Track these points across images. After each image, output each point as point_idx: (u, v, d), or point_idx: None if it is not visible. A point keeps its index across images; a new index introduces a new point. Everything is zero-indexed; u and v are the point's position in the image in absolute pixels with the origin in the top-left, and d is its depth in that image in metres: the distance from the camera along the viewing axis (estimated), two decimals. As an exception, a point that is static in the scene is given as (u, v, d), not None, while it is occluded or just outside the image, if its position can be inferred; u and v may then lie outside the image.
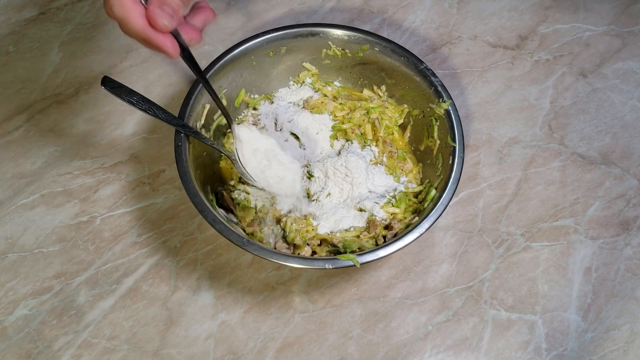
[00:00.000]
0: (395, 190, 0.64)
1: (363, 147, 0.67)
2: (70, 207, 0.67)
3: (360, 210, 0.62)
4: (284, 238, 0.60)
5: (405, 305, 0.63)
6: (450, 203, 0.58)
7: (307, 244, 0.59)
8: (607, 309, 0.63)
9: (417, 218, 0.58)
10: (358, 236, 0.60)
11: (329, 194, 0.63)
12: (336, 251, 0.59)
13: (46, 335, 0.60)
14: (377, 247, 0.55)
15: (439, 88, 0.63)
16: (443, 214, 0.57)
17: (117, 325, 0.60)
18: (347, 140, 0.68)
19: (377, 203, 0.61)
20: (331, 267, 0.53)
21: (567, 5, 0.85)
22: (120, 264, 0.63)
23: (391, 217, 0.61)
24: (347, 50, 0.68)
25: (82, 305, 0.61)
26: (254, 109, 0.70)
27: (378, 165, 0.66)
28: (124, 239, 0.65)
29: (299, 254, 0.58)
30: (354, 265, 0.53)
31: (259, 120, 0.69)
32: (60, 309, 0.61)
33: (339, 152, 0.66)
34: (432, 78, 0.64)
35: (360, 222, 0.61)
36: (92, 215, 0.66)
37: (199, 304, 0.62)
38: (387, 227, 0.61)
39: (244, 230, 0.61)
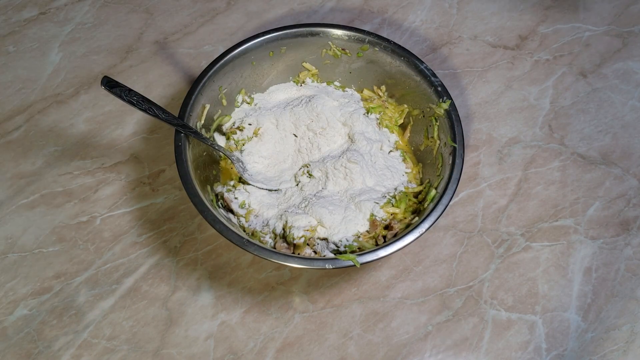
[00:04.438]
0: (395, 190, 0.64)
1: (382, 127, 0.69)
2: (70, 207, 0.67)
3: (360, 210, 0.62)
4: (284, 238, 0.60)
5: (405, 305, 0.63)
6: (451, 203, 0.58)
7: (307, 244, 0.59)
8: (607, 309, 0.63)
9: (417, 218, 0.58)
10: (358, 236, 0.60)
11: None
12: (336, 251, 0.59)
13: (46, 335, 0.60)
14: (377, 247, 0.55)
15: (439, 88, 0.63)
16: (443, 214, 0.56)
17: (117, 326, 0.60)
18: (349, 138, 0.68)
19: (377, 203, 0.61)
20: (331, 267, 0.53)
21: (567, 5, 0.85)
22: (120, 264, 0.63)
23: (391, 217, 0.61)
24: (347, 50, 0.68)
25: (82, 305, 0.61)
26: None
27: (391, 153, 0.67)
28: (124, 239, 0.65)
29: (299, 254, 0.58)
30: (354, 265, 0.53)
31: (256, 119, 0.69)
32: (60, 309, 0.61)
33: (341, 154, 0.66)
34: (432, 78, 0.64)
35: (361, 221, 0.61)
36: (92, 215, 0.66)
37: (199, 304, 0.62)
38: (387, 227, 0.61)
39: (244, 230, 0.61)
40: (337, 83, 0.72)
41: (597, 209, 0.69)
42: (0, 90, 0.74)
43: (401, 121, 0.70)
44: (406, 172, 0.66)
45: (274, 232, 0.61)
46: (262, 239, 0.60)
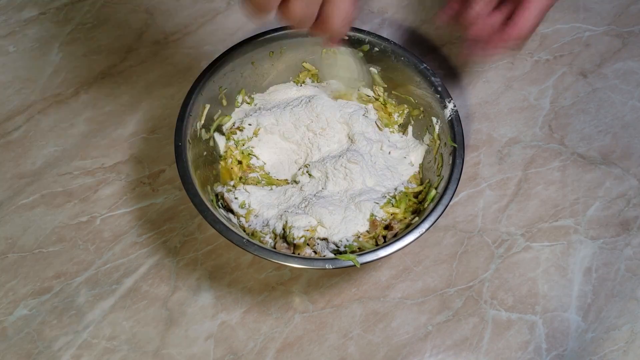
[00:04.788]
0: (395, 190, 0.64)
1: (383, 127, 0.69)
2: (70, 207, 0.67)
3: (360, 210, 0.62)
4: (284, 238, 0.60)
5: (405, 306, 0.63)
6: (451, 203, 0.58)
7: (307, 244, 0.59)
8: (607, 309, 0.63)
9: (417, 218, 0.58)
10: (358, 236, 0.60)
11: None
12: (336, 251, 0.59)
13: (46, 335, 0.60)
14: (377, 247, 0.55)
15: (439, 88, 0.63)
16: (443, 214, 0.56)
17: (117, 326, 0.60)
18: (349, 139, 0.68)
19: (377, 203, 0.61)
20: (331, 267, 0.53)
21: (567, 5, 0.85)
22: (120, 264, 0.63)
23: (391, 217, 0.61)
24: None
25: (82, 305, 0.61)
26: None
27: (391, 154, 0.67)
28: (124, 239, 0.65)
29: (299, 254, 0.58)
30: (354, 266, 0.53)
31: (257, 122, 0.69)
32: (60, 309, 0.61)
33: (341, 154, 0.66)
34: (432, 78, 0.64)
35: (361, 221, 0.61)
36: (92, 215, 0.66)
37: (199, 304, 0.62)
38: (387, 227, 0.61)
39: (244, 230, 0.61)
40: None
41: (597, 209, 0.69)
42: (0, 90, 0.74)
43: (401, 121, 0.70)
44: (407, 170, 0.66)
45: (274, 232, 0.61)
46: (262, 239, 0.60)
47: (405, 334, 0.61)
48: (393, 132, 0.69)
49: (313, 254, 0.59)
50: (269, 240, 0.60)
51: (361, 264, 0.53)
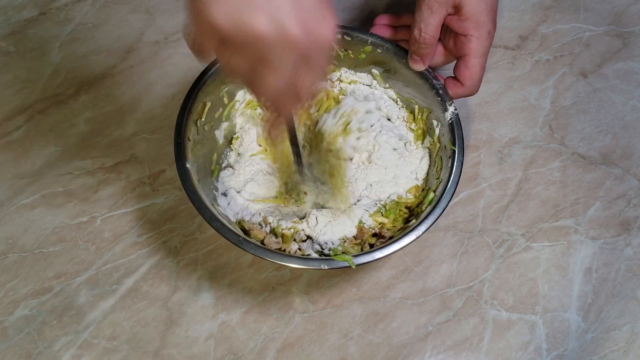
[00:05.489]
0: (387, 198, 0.63)
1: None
2: (70, 208, 0.67)
3: (349, 217, 0.61)
4: (272, 230, 0.60)
5: (405, 306, 0.63)
6: (451, 203, 0.58)
7: (294, 240, 0.59)
8: (607, 309, 0.63)
9: (414, 220, 0.58)
10: (344, 241, 0.59)
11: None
12: (320, 253, 0.59)
13: (46, 335, 0.60)
14: (374, 248, 0.54)
15: (441, 91, 0.63)
16: (443, 214, 0.56)
17: (117, 326, 0.60)
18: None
19: (366, 211, 0.61)
20: (327, 267, 0.52)
21: (567, 6, 0.85)
22: (120, 264, 0.63)
23: (379, 226, 0.61)
24: (349, 52, 0.68)
25: (82, 305, 0.61)
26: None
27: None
28: (124, 239, 0.65)
29: (285, 249, 0.58)
30: (350, 266, 0.53)
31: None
32: (61, 309, 0.61)
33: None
34: (434, 81, 0.63)
35: (349, 227, 0.61)
36: (93, 215, 0.66)
37: (199, 304, 0.62)
38: (376, 235, 0.60)
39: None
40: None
41: (597, 209, 0.69)
42: (1, 91, 0.74)
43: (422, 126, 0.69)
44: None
45: (260, 224, 0.60)
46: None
47: (405, 334, 0.61)
48: (417, 147, 0.67)
49: (298, 251, 0.59)
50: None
51: (357, 265, 0.53)
